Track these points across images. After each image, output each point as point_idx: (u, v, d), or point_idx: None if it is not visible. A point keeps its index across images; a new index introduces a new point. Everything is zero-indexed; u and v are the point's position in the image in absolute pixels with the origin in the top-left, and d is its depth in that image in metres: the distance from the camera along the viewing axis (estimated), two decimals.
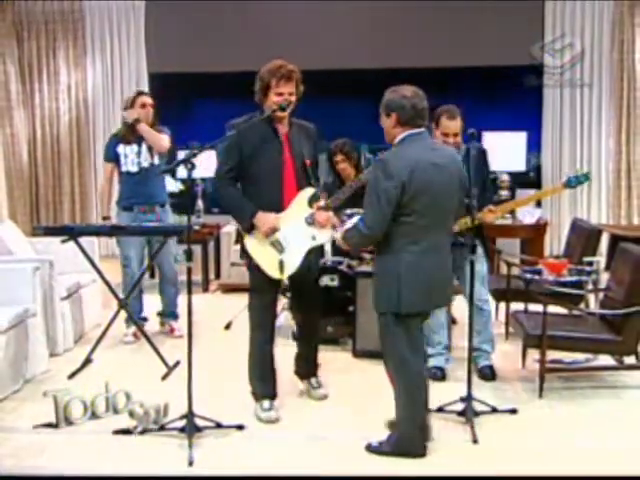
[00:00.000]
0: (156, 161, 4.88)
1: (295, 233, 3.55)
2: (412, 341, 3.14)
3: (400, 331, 3.11)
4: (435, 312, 4.12)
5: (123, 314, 4.72)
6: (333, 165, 4.85)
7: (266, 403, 3.60)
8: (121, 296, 4.62)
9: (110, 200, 5.10)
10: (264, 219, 3.47)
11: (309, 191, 3.60)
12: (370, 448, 3.23)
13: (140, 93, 5.11)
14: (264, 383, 3.66)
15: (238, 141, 3.46)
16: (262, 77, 3.47)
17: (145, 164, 4.87)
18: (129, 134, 4.87)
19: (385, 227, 3.04)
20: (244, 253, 3.62)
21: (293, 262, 3.53)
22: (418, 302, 3.11)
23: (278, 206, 3.52)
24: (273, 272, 3.51)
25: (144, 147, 4.86)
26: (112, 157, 4.93)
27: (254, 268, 3.57)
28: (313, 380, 3.91)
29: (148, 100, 4.94)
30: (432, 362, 4.20)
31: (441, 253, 3.17)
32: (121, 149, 4.88)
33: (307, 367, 3.91)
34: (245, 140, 3.47)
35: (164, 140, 4.86)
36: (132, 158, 4.86)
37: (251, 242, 3.53)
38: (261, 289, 3.60)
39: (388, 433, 3.28)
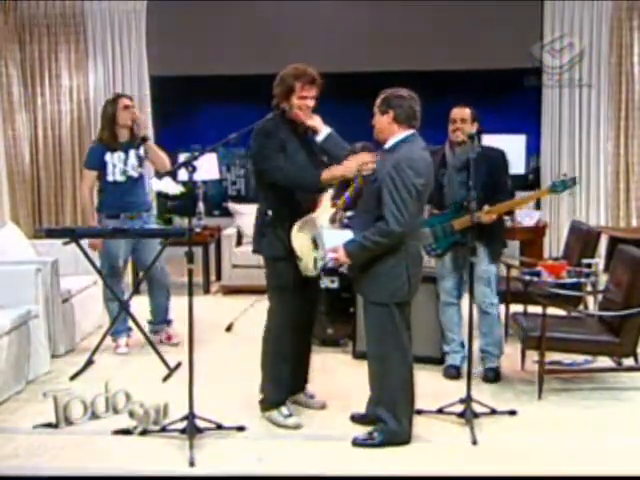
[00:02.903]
0: (144, 171, 4.75)
1: (324, 233, 3.53)
2: (409, 330, 3.29)
3: (402, 320, 3.25)
4: (447, 310, 4.19)
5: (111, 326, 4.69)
6: None
7: (285, 409, 3.54)
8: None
9: (93, 209, 4.85)
10: (335, 168, 3.35)
11: (330, 192, 3.57)
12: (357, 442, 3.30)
13: (119, 96, 4.82)
14: (286, 389, 3.58)
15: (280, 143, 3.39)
16: (286, 80, 3.37)
17: (133, 173, 4.68)
18: (114, 141, 4.65)
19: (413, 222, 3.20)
20: (272, 249, 3.47)
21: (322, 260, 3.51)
22: (414, 290, 3.33)
23: (314, 207, 3.48)
24: (309, 268, 3.42)
25: (132, 155, 4.68)
26: (97, 165, 4.67)
27: (286, 266, 3.44)
28: (307, 392, 3.77)
29: (128, 102, 4.71)
30: (448, 360, 4.28)
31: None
32: (108, 157, 4.65)
33: (300, 376, 3.74)
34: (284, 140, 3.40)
35: (167, 161, 4.73)
36: (120, 167, 4.65)
37: (298, 236, 3.39)
38: (293, 288, 3.46)
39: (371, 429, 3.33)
